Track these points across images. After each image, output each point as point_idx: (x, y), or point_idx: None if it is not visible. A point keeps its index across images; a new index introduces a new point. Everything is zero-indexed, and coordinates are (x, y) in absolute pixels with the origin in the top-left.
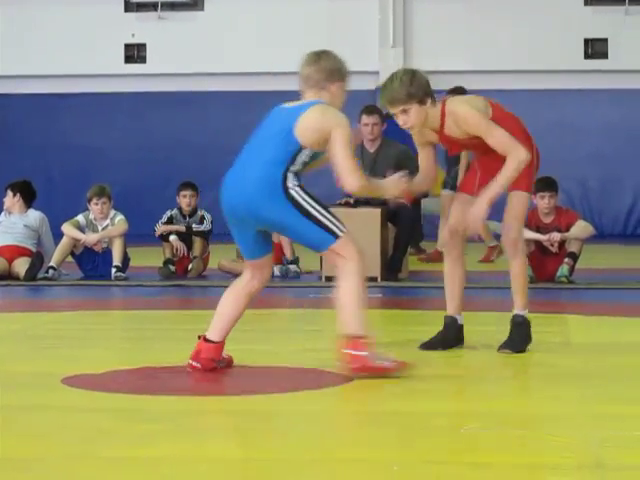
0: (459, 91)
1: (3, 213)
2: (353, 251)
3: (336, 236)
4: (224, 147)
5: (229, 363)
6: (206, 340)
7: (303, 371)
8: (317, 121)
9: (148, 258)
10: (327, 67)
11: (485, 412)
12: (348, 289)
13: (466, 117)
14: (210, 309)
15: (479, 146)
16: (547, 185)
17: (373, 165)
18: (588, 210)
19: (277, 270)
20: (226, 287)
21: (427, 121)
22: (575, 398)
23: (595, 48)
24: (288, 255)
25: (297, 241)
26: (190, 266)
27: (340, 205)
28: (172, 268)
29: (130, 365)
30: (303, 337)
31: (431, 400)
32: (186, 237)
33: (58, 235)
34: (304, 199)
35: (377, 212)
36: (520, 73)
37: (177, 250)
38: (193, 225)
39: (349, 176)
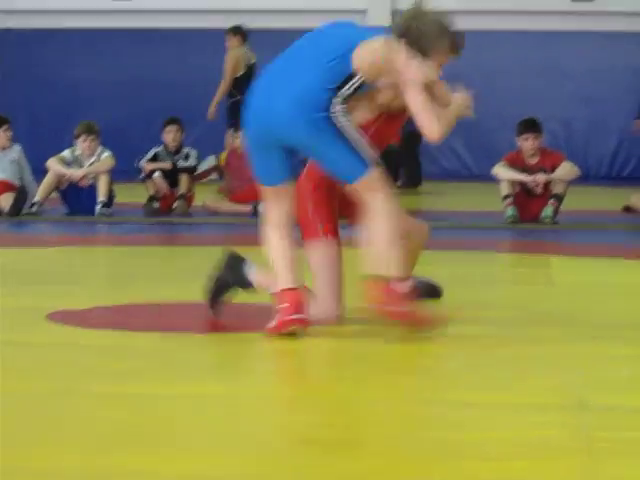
0: None
1: None
2: (385, 188)
3: (370, 165)
4: (209, 84)
5: None
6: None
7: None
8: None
9: (133, 195)
10: None
11: (460, 353)
12: (381, 228)
13: None
14: (194, 245)
15: None
16: (531, 126)
17: None
18: (574, 151)
19: None
20: (210, 224)
21: None
22: (559, 338)
23: None
24: None
25: (327, 166)
26: (175, 204)
27: None
28: (156, 205)
29: (114, 302)
30: None
31: (405, 342)
32: (172, 174)
33: (43, 170)
34: (343, 125)
35: None
36: (507, 14)
37: (160, 189)
38: (179, 162)
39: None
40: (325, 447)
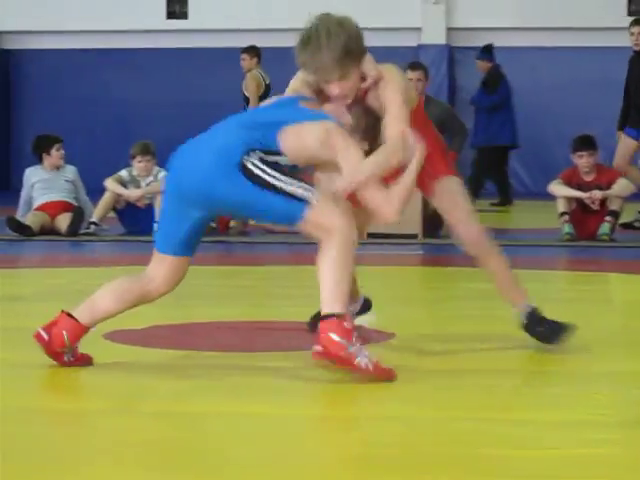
0: (489, 49)
1: (41, 169)
2: (334, 217)
3: (307, 202)
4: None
5: (83, 360)
6: (69, 315)
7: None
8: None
9: None
10: None
11: (521, 370)
12: (330, 262)
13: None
14: (251, 265)
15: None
16: (585, 144)
17: None
18: None
19: None
20: (266, 244)
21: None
22: (616, 356)
23: (637, 4)
24: None
25: (264, 219)
26: (231, 223)
27: None
28: (213, 224)
29: (171, 321)
30: None
31: (466, 359)
32: None
33: (100, 190)
34: (262, 169)
35: None
36: (564, 30)
37: None
38: None
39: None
40: (380, 465)
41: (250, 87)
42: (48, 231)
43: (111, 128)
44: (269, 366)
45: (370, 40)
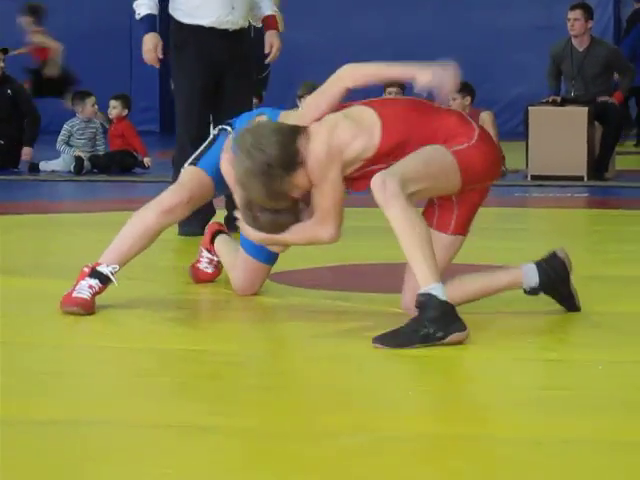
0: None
1: None
2: (178, 191)
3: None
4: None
5: None
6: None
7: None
8: None
9: None
10: None
11: None
12: (139, 216)
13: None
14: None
15: None
16: None
17: (581, 65)
18: None
19: None
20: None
21: None
22: None
23: None
24: None
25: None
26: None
27: (546, 103)
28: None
29: (336, 262)
30: (508, 235)
31: (630, 302)
32: None
33: None
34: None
35: (584, 111)
36: None
37: None
38: None
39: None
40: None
41: None
42: None
43: None
44: None
45: None
